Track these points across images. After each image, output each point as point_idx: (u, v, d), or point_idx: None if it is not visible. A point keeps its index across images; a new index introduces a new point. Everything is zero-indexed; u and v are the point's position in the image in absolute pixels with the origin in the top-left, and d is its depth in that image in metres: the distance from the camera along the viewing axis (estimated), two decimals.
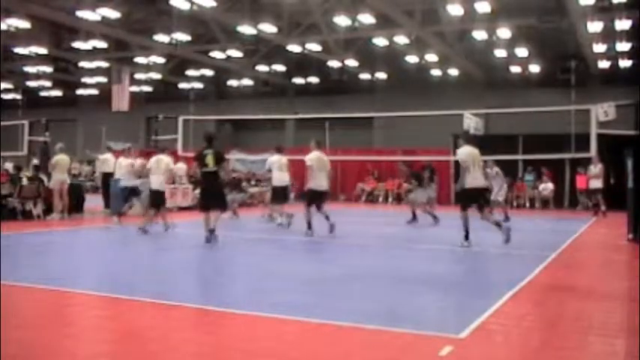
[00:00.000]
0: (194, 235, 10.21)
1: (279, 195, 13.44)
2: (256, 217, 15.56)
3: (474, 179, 10.15)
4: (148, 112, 33.79)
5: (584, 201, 20.83)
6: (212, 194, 10.48)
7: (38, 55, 27.10)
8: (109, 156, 17.74)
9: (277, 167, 13.31)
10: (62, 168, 14.92)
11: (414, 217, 14.63)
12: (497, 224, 10.45)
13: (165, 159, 12.56)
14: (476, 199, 10.25)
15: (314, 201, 11.70)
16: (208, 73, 31.19)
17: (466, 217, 10.23)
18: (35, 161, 19.54)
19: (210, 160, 10.25)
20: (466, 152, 10.31)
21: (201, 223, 10.38)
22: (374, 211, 22.23)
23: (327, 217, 11.64)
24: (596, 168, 17.79)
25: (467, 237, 10.26)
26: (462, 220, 10.30)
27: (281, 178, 13.32)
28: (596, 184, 18.03)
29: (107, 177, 17.03)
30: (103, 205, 16.90)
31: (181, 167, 21.17)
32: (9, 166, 19.81)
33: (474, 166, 10.18)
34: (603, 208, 17.87)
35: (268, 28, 21.80)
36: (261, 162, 26.82)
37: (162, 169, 12.30)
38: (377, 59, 26.77)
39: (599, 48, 22.41)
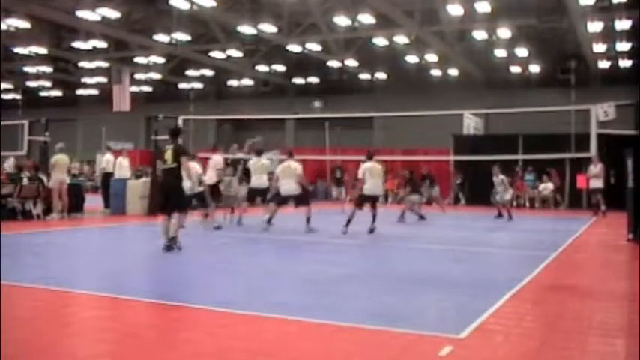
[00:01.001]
0: (193, 234, 10.20)
1: (252, 196, 14.06)
2: (256, 216, 15.55)
3: (369, 188, 12.45)
4: (148, 112, 33.79)
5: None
6: (168, 194, 9.45)
7: (38, 55, 27.12)
8: (109, 156, 17.78)
9: (253, 170, 13.72)
10: (61, 168, 14.92)
11: (422, 217, 15.98)
12: (374, 218, 12.42)
13: (214, 158, 13.86)
14: (370, 201, 12.64)
15: (283, 202, 13.13)
16: (208, 73, 31.20)
17: (354, 212, 12.38)
18: (11, 160, 19.52)
19: (168, 155, 9.32)
20: (365, 167, 12.54)
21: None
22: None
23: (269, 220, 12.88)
24: (596, 168, 17.79)
25: (348, 224, 12.12)
26: (351, 211, 12.49)
27: (255, 181, 13.69)
28: (597, 184, 18.02)
29: (107, 177, 17.05)
30: (103, 205, 16.93)
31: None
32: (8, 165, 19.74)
33: (372, 178, 12.41)
34: (603, 208, 17.86)
35: (268, 28, 21.82)
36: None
37: (210, 166, 13.48)
38: (377, 59, 26.79)
39: (599, 48, 22.43)
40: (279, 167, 13.20)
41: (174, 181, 9.34)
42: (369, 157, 12.91)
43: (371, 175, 12.49)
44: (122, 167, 16.93)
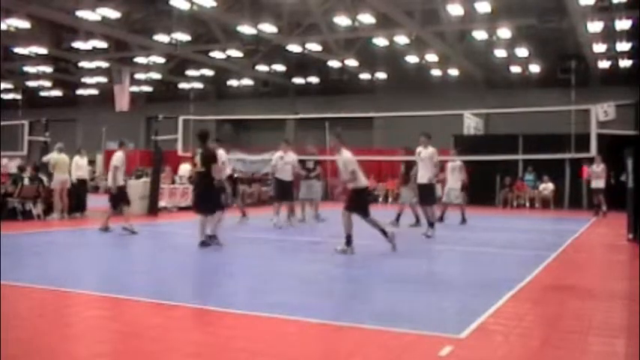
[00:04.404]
0: (193, 234, 10.17)
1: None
2: (259, 216, 15.56)
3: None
4: (148, 112, 33.84)
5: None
6: None
7: (38, 55, 27.12)
8: (78, 158, 16.26)
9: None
10: (63, 168, 14.90)
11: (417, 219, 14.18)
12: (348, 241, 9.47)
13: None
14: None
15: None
16: (208, 73, 31.20)
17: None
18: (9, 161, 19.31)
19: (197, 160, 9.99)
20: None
21: (199, 223, 10.33)
22: (374, 211, 22.17)
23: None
24: (598, 167, 17.80)
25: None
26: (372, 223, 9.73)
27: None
28: (599, 183, 18.03)
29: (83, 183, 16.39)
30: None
31: (185, 167, 21.15)
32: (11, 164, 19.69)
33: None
34: (604, 208, 17.85)
35: (268, 28, 21.82)
36: (261, 162, 26.95)
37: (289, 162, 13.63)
38: (377, 59, 26.78)
39: (599, 48, 22.43)
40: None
41: None
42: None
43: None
44: (79, 167, 15.87)
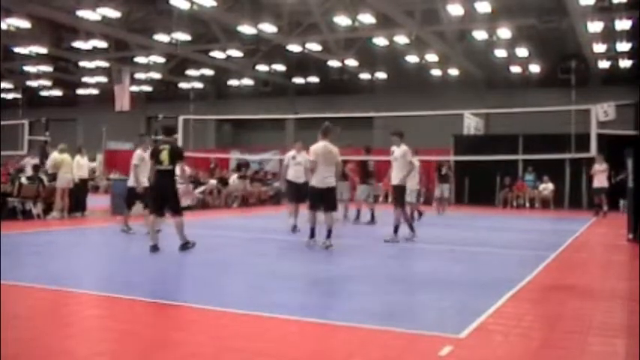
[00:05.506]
0: (192, 234, 10.17)
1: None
2: (259, 216, 15.55)
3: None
4: (148, 112, 33.85)
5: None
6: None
7: (38, 55, 27.12)
8: (78, 158, 15.96)
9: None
10: (68, 168, 14.89)
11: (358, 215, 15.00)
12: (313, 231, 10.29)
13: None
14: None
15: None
16: (208, 72, 31.21)
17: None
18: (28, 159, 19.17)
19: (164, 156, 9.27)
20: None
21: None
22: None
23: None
24: (601, 167, 17.79)
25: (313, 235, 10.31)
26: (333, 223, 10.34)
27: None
28: (601, 183, 18.00)
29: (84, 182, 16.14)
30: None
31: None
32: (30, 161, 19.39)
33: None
34: (605, 208, 17.82)
35: (268, 28, 21.82)
36: (260, 162, 26.90)
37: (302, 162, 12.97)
38: (377, 59, 26.79)
39: (599, 48, 22.44)
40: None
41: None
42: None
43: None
44: (81, 167, 15.70)
